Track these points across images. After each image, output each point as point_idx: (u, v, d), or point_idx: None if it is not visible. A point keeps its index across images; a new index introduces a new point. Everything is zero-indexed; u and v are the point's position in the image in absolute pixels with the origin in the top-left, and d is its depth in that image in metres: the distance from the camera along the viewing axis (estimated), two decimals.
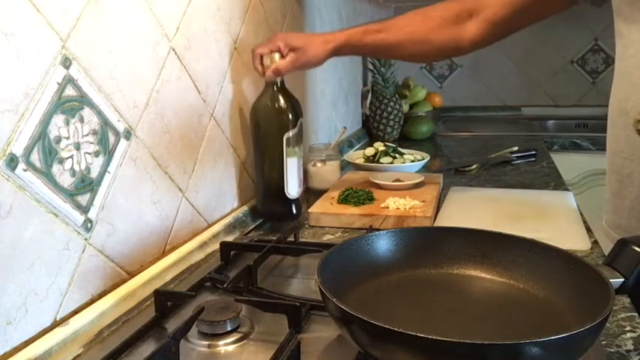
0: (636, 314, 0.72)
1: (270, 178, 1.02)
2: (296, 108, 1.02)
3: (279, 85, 1.01)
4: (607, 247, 0.65)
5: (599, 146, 2.08)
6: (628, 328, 0.68)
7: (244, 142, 1.10)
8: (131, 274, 0.77)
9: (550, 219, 1.06)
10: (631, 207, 0.88)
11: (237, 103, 1.07)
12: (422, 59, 1.13)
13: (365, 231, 0.92)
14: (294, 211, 1.04)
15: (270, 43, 1.01)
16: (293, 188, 1.03)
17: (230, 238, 0.99)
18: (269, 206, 1.05)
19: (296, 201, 1.04)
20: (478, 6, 1.03)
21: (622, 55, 0.86)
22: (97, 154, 0.70)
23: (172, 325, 0.69)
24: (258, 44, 1.03)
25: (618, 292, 0.59)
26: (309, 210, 1.10)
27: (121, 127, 0.74)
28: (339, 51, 1.05)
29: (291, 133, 1.00)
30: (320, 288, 0.57)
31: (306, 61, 1.03)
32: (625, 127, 0.86)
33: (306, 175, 1.31)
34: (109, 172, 0.72)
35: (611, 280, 0.58)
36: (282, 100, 1.00)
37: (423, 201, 1.12)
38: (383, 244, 0.73)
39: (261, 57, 1.02)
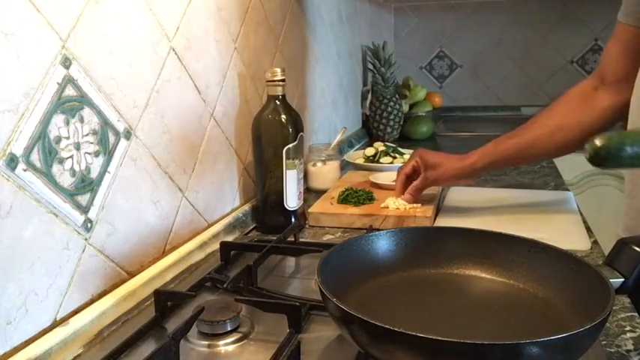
0: (636, 314, 0.72)
1: (270, 189, 1.04)
2: (297, 122, 1.03)
3: (280, 98, 1.02)
4: None
5: None
6: (628, 328, 0.68)
7: (244, 142, 1.10)
8: (131, 274, 0.77)
9: (550, 219, 1.06)
10: (638, 209, 0.88)
11: (237, 103, 1.07)
12: (562, 149, 1.07)
13: (365, 231, 0.92)
14: (294, 222, 1.05)
15: (411, 159, 1.13)
16: (292, 200, 1.04)
17: (230, 238, 0.99)
18: (269, 217, 1.06)
19: (295, 212, 1.05)
20: (598, 78, 1.03)
21: None
22: (97, 154, 0.70)
23: (172, 325, 0.69)
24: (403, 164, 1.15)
25: (618, 292, 0.59)
26: (309, 210, 1.10)
27: (121, 127, 0.74)
28: (475, 165, 1.07)
29: (291, 146, 1.01)
30: (320, 288, 0.57)
31: (435, 177, 1.09)
32: None
33: (306, 175, 1.31)
34: (109, 172, 0.72)
35: (611, 280, 0.58)
36: (283, 114, 1.01)
37: (423, 201, 1.12)
38: (383, 244, 0.73)
39: (405, 176, 1.12)
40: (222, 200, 1.02)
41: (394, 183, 1.23)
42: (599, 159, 0.64)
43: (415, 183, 1.10)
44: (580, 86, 1.06)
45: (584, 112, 1.03)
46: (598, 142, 0.62)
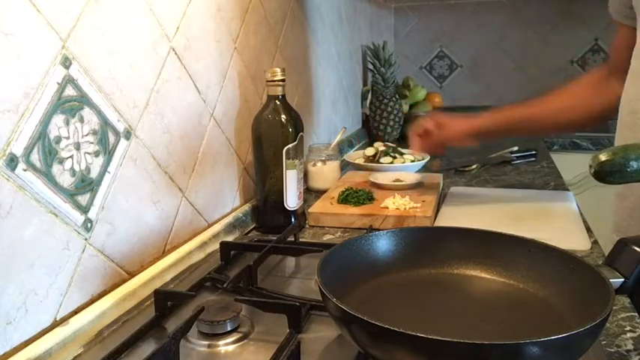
0: (636, 314, 0.72)
1: (270, 189, 1.04)
2: (297, 122, 1.03)
3: (280, 98, 1.02)
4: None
5: (599, 146, 2.09)
6: (628, 328, 0.68)
7: (244, 142, 1.10)
8: (131, 274, 0.77)
9: (550, 219, 1.06)
10: (632, 208, 0.88)
11: (237, 103, 1.07)
12: (569, 127, 1.18)
13: (365, 231, 0.92)
14: (294, 222, 1.05)
15: (424, 121, 1.15)
16: (292, 200, 1.04)
17: (230, 238, 0.99)
18: (269, 217, 1.06)
19: (295, 212, 1.05)
20: (611, 64, 1.06)
21: (637, 54, 0.87)
22: (97, 154, 0.70)
23: (172, 325, 0.69)
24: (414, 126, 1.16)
25: (618, 292, 0.59)
26: (309, 210, 1.10)
27: (121, 127, 0.74)
28: (484, 126, 1.12)
29: (291, 146, 1.01)
30: (320, 288, 0.57)
31: (450, 133, 1.13)
32: (631, 127, 0.86)
33: (306, 175, 1.31)
34: (109, 172, 0.72)
35: (611, 280, 0.58)
36: (283, 114, 1.01)
37: (423, 201, 1.12)
38: (383, 244, 0.73)
39: (418, 136, 1.14)
40: (222, 200, 1.02)
41: (394, 183, 1.24)
42: (604, 174, 0.62)
43: (432, 139, 1.14)
44: (594, 72, 1.11)
45: (595, 95, 1.08)
46: (603, 156, 0.61)
